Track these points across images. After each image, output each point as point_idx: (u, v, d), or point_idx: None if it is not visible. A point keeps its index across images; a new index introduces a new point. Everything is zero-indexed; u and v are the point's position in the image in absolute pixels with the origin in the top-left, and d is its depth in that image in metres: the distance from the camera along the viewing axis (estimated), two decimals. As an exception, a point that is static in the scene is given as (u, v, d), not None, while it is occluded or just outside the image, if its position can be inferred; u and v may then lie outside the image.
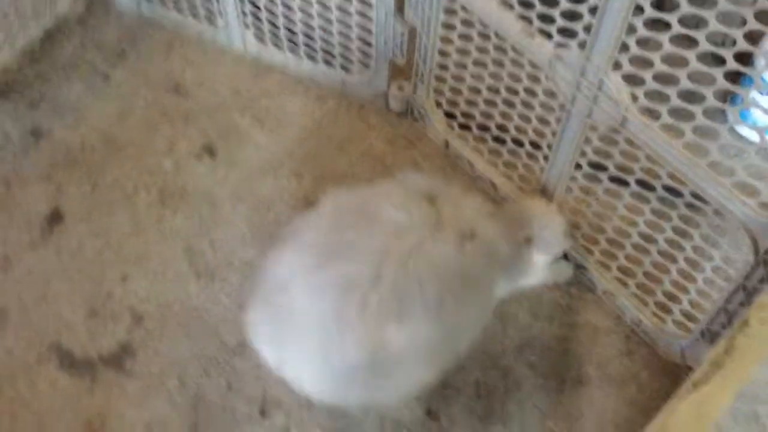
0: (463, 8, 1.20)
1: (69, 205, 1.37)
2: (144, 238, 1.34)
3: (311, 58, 1.51)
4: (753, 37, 0.86)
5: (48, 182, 1.39)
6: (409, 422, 1.17)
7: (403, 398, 1.12)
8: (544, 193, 1.26)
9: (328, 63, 1.51)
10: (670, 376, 1.20)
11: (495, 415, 1.18)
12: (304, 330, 0.97)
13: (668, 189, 1.09)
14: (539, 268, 1.17)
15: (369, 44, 1.40)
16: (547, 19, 1.08)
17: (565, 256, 1.28)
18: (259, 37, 1.54)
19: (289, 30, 1.49)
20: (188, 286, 1.29)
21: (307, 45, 1.50)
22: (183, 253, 1.32)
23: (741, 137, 1.37)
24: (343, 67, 1.50)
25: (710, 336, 1.10)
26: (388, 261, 0.95)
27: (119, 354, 1.22)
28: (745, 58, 0.89)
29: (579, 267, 1.28)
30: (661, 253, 1.15)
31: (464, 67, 1.29)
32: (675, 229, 1.11)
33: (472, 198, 1.07)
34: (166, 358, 1.22)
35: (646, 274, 1.19)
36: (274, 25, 1.49)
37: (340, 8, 1.35)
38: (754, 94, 1.29)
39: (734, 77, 0.92)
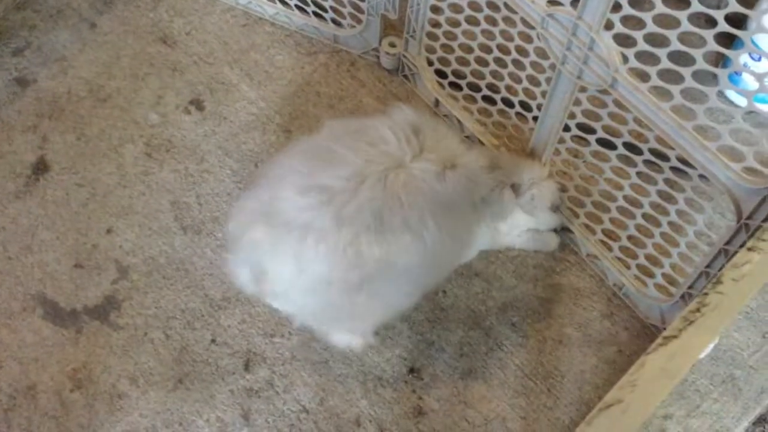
0: (457, -37, 1.18)
1: (55, 155, 1.36)
2: (130, 190, 1.33)
3: (302, 10, 1.49)
4: (747, 0, 0.85)
5: (34, 132, 1.38)
6: (392, 379, 1.18)
7: (378, 322, 1.12)
8: (533, 154, 1.25)
9: (319, 16, 1.48)
10: (649, 338, 1.21)
11: (477, 374, 1.19)
12: (282, 233, 0.98)
13: (655, 153, 1.08)
14: (521, 226, 1.17)
15: (361, -2, 1.37)
16: (540, -24, 1.06)
17: (555, 230, 1.27)
18: (250, -12, 1.51)
19: (280, -19, 1.46)
20: (174, 239, 1.29)
21: (298, -3, 1.47)
22: (169, 206, 1.32)
23: (729, 102, 1.36)
24: (335, 21, 1.47)
25: (691, 300, 1.11)
26: (368, 175, 0.97)
27: (104, 306, 1.23)
28: (737, 21, 0.88)
29: (564, 229, 1.28)
30: (645, 216, 1.15)
31: (456, 24, 1.27)
32: (660, 193, 1.11)
33: (458, 134, 1.12)
34: (151, 311, 1.22)
35: (629, 238, 1.19)
36: (264, -24, 1.46)
37: (332, -40, 1.33)
38: (744, 58, 1.27)
39: (726, 40, 0.90)
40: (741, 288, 0.45)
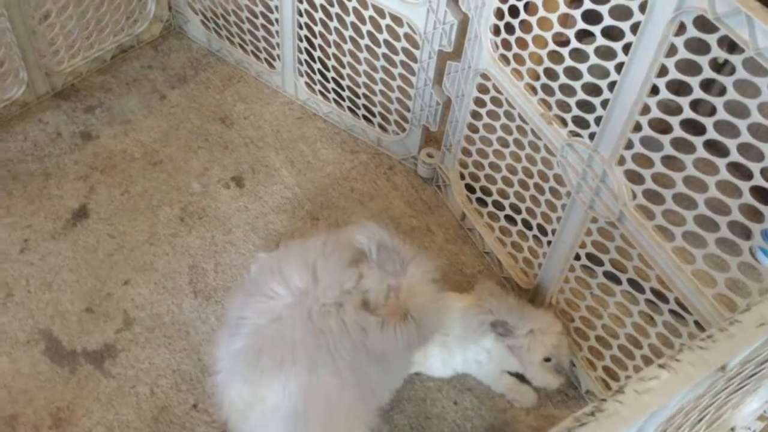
0: (495, 87, 1.24)
1: (96, 206, 1.45)
2: (155, 248, 1.39)
3: (353, 112, 1.58)
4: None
5: (84, 181, 1.48)
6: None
7: None
8: (540, 287, 1.25)
9: (367, 119, 1.57)
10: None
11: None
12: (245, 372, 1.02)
13: (655, 292, 1.06)
14: (504, 363, 1.16)
15: (407, 108, 1.45)
16: (564, 106, 1.10)
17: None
18: (310, 86, 1.62)
19: (337, 83, 1.56)
20: (183, 301, 1.33)
21: (351, 100, 1.56)
22: (188, 269, 1.37)
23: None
24: (381, 126, 1.55)
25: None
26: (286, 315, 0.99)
27: (102, 352, 1.26)
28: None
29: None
30: (644, 358, 1.11)
31: (489, 143, 1.32)
32: (658, 336, 1.07)
33: (435, 270, 1.03)
34: (144, 366, 1.25)
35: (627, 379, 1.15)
36: (324, 77, 1.57)
37: (386, 71, 1.42)
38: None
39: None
40: (641, 402, 0.44)
